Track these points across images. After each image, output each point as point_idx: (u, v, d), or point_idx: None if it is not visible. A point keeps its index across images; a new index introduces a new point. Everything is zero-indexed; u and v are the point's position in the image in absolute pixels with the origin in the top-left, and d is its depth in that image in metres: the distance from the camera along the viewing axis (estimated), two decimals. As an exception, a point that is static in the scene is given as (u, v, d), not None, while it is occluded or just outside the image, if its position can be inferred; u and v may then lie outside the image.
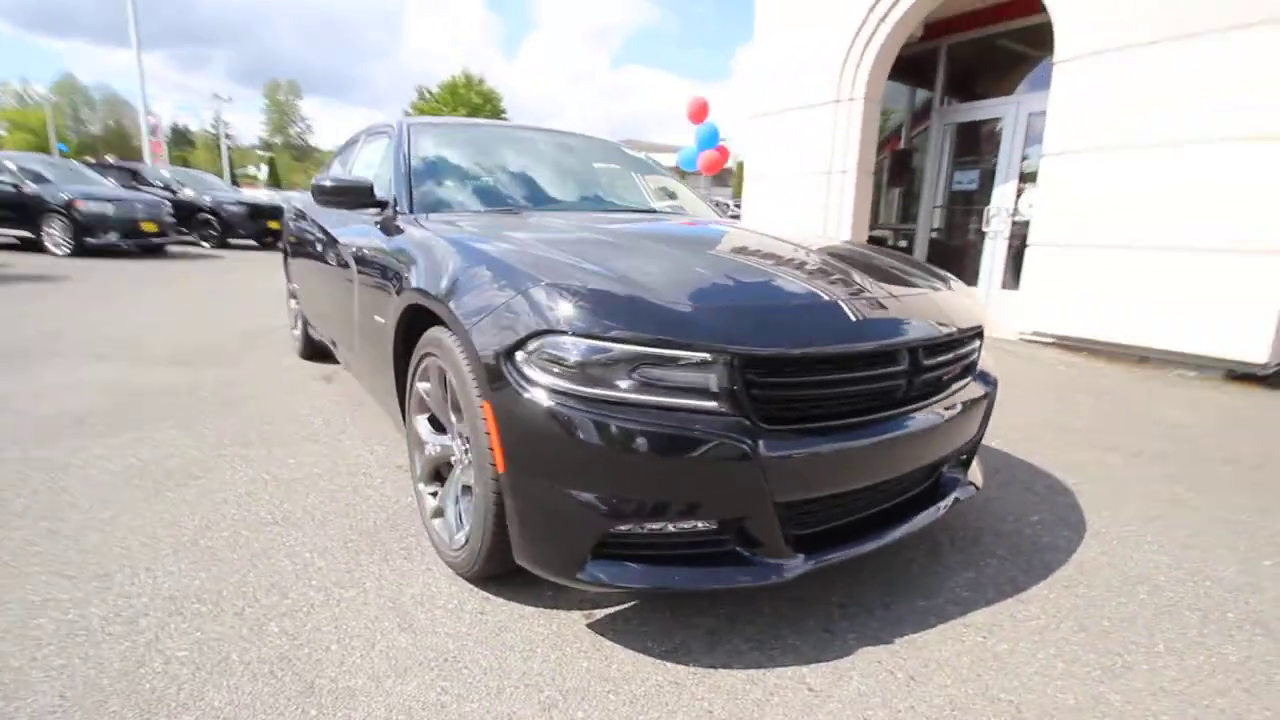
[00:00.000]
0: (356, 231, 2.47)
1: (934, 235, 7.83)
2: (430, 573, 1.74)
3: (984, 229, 6.88)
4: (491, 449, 1.41)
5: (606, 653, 1.45)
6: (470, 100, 35.86)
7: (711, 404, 1.30)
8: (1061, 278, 5.00)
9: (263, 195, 17.13)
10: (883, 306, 1.59)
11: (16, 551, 1.76)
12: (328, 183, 2.27)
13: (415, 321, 1.87)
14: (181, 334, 4.66)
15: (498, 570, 1.59)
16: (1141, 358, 4.63)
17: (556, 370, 1.32)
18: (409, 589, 1.67)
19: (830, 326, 1.44)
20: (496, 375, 1.38)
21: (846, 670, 1.42)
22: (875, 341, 1.47)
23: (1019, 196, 6.63)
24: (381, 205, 2.32)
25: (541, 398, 1.31)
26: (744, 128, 8.38)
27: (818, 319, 1.45)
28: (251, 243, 13.25)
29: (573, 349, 1.30)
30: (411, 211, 2.24)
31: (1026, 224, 6.27)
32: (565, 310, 1.33)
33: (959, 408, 1.67)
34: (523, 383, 1.34)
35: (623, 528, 1.33)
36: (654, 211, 2.87)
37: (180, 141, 56.42)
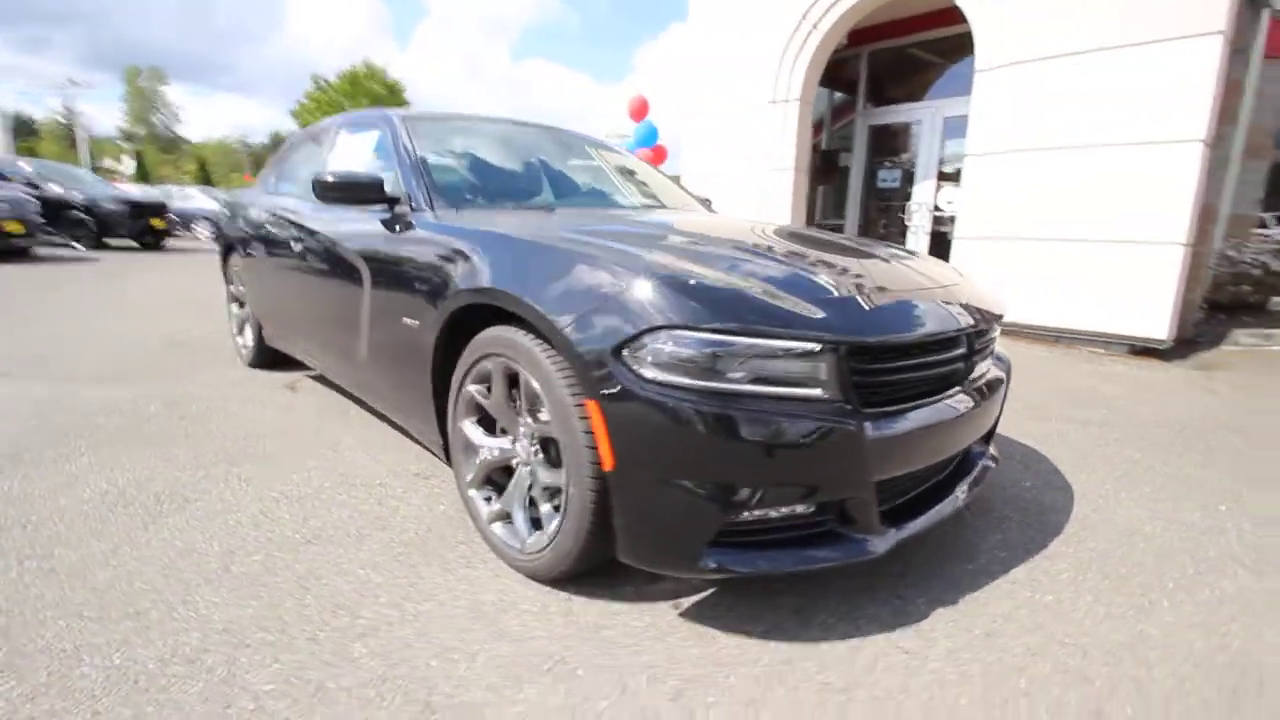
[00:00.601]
0: (362, 230, 2.30)
1: (859, 228, 8.34)
2: (500, 579, 1.69)
3: (907, 223, 7.42)
4: (595, 447, 1.40)
5: (710, 639, 1.48)
6: (372, 91, 33.97)
7: (819, 391, 1.36)
8: (986, 268, 5.49)
9: (135, 191, 15.54)
10: (946, 294, 1.72)
11: (13, 598, 1.53)
12: (330, 178, 2.13)
13: (462, 322, 1.80)
14: (92, 347, 4.15)
15: (584, 569, 1.58)
16: (1056, 337, 5.18)
17: (671, 365, 1.33)
18: (485, 596, 1.61)
19: (917, 313, 1.55)
20: (603, 373, 1.37)
21: (929, 632, 1.53)
22: (952, 326, 1.60)
23: (938, 193, 7.20)
24: (391, 201, 2.20)
25: (659, 394, 1.31)
26: (677, 125, 8.56)
27: (905, 307, 1.55)
28: (131, 243, 12.08)
29: (689, 343, 1.32)
30: (432, 208, 2.13)
31: (945, 218, 6.83)
32: (679, 305, 1.34)
33: (995, 387, 1.83)
34: (635, 379, 1.34)
35: (739, 516, 1.36)
36: (666, 207, 2.88)
37: (23, 131, 49.41)
